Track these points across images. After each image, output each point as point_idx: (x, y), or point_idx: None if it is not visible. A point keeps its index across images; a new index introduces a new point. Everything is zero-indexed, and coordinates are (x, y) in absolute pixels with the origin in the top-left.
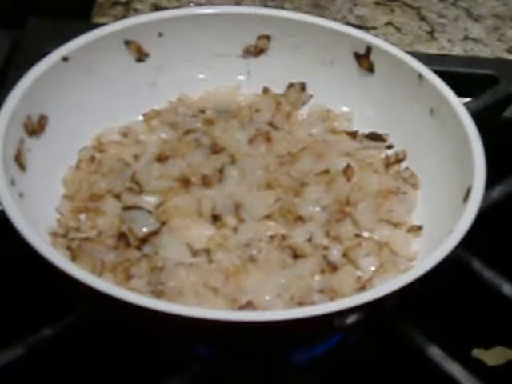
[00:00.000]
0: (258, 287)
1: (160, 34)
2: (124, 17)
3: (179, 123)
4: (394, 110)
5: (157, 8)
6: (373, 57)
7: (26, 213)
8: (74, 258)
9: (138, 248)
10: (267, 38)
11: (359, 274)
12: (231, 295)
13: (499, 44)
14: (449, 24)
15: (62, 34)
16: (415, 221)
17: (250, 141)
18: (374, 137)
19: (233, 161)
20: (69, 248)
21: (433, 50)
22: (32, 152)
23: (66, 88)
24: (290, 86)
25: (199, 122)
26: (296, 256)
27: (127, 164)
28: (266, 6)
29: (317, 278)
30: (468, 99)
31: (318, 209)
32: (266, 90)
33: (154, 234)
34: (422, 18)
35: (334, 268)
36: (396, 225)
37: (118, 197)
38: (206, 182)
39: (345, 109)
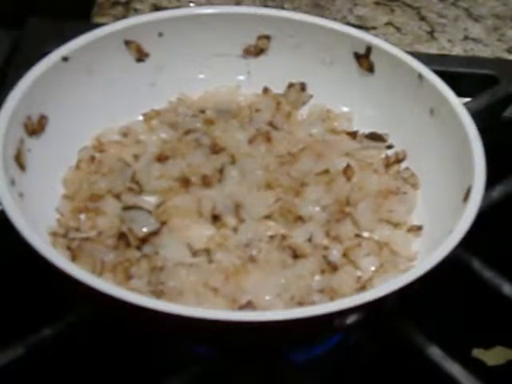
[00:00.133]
0: (258, 287)
1: (160, 34)
2: (124, 17)
3: (179, 123)
4: (394, 110)
5: (157, 8)
6: (373, 57)
7: (26, 213)
8: (74, 258)
9: (138, 248)
10: (267, 37)
11: (359, 273)
12: (231, 295)
13: (499, 44)
14: (449, 24)
15: (62, 34)
16: (415, 221)
17: (250, 141)
18: (374, 137)
19: (233, 161)
20: (69, 248)
21: (433, 50)
22: (32, 152)
23: (66, 88)
24: (290, 86)
25: (199, 122)
26: (296, 256)
27: (127, 164)
28: (266, 6)
29: (317, 278)
30: (468, 99)
31: (317, 209)
32: (266, 90)
33: (154, 233)
34: (422, 18)
35: (333, 268)
36: (396, 225)
37: (118, 197)
38: (205, 182)
39: (345, 109)
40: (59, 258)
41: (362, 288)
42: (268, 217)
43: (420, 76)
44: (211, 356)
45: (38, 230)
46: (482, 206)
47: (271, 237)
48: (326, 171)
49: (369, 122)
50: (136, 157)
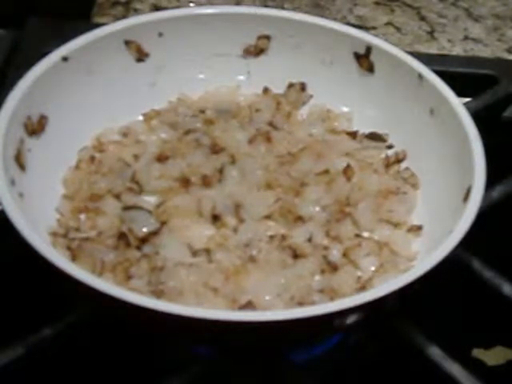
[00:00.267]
0: (258, 287)
1: (160, 34)
2: (124, 17)
3: (179, 123)
4: (394, 110)
5: (157, 8)
6: (373, 57)
7: (26, 213)
8: (74, 258)
9: (138, 248)
10: (267, 37)
11: (359, 273)
12: (231, 295)
13: (499, 44)
14: (449, 24)
15: (62, 34)
16: (415, 221)
17: (250, 141)
18: (374, 137)
19: (233, 161)
20: (69, 248)
21: (433, 50)
22: (32, 152)
23: (66, 88)
24: (290, 86)
25: (199, 122)
26: (296, 256)
27: (127, 164)
28: (266, 6)
29: (317, 278)
30: (468, 99)
31: (318, 209)
32: (266, 90)
33: (154, 233)
34: (422, 18)
35: (334, 268)
36: (396, 225)
37: (118, 197)
38: (205, 182)
39: (345, 109)
40: (59, 258)
41: (362, 288)
42: (268, 217)
43: (420, 76)
44: (211, 356)
45: (38, 230)
46: (482, 206)
47: (271, 237)
48: (326, 171)
49: (369, 121)
50: (136, 157)
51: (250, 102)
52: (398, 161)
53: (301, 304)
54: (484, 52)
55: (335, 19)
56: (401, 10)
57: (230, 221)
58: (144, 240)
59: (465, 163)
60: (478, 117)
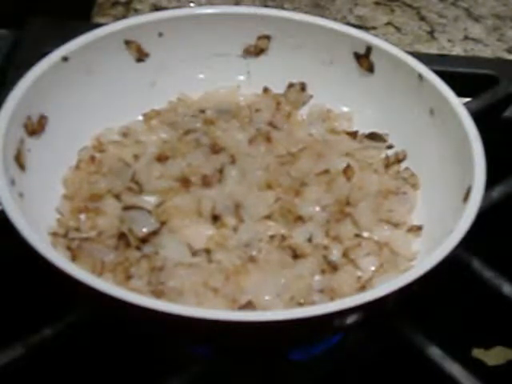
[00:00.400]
0: (258, 287)
1: (160, 34)
2: (124, 17)
3: (179, 123)
4: (394, 110)
5: (157, 8)
6: (373, 57)
7: (26, 213)
8: (74, 258)
9: (138, 248)
10: (267, 37)
11: (359, 273)
12: (231, 295)
13: (499, 44)
14: (449, 24)
15: (62, 33)
16: (415, 221)
17: (250, 141)
18: (374, 137)
19: (233, 161)
20: (69, 248)
21: (433, 50)
22: (32, 152)
23: (66, 88)
24: (290, 86)
25: (199, 122)
26: (296, 256)
27: (127, 164)
28: (266, 6)
29: (317, 278)
30: (468, 99)
31: (318, 209)
32: (266, 90)
33: (154, 233)
34: (422, 18)
35: (334, 268)
36: (396, 225)
37: (117, 197)
38: (205, 181)
39: (345, 109)
40: (59, 258)
41: (362, 288)
42: (268, 217)
43: (420, 76)
44: (211, 356)
45: (38, 230)
46: (482, 205)
47: (271, 237)
48: (326, 171)
49: (369, 121)
50: (136, 157)
51: (250, 101)
52: (398, 161)
53: (301, 304)
54: (484, 52)
55: (335, 19)
56: (401, 10)
57: (230, 221)
58: (144, 240)
59: (465, 163)
60: (478, 117)
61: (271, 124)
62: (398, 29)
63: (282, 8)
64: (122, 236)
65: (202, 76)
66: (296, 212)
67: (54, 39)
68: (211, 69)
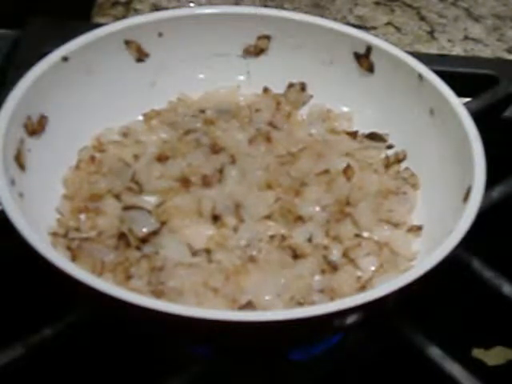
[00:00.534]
0: (258, 287)
1: (160, 34)
2: (124, 17)
3: (179, 123)
4: (394, 110)
5: (157, 8)
6: (373, 57)
7: (26, 213)
8: (74, 258)
9: (138, 248)
10: (267, 37)
11: (359, 273)
12: (231, 295)
13: (499, 44)
14: (449, 24)
15: (62, 33)
16: (415, 221)
17: (250, 141)
18: (374, 137)
19: (233, 161)
20: (69, 248)
21: (433, 50)
22: (32, 152)
23: (66, 88)
24: (290, 86)
25: (199, 122)
26: (296, 256)
27: (127, 164)
28: (266, 6)
29: (317, 278)
30: (468, 99)
31: (318, 209)
32: (266, 90)
33: (154, 233)
34: (422, 18)
35: (334, 268)
36: (396, 225)
37: (117, 197)
38: (206, 181)
39: (345, 109)
40: (59, 258)
41: (362, 288)
42: (268, 217)
43: (420, 76)
44: (211, 356)
45: (38, 230)
46: (482, 206)
47: (271, 237)
48: (326, 171)
49: (369, 121)
50: (136, 157)
51: (250, 101)
52: (398, 161)
53: (301, 304)
54: (484, 52)
55: (335, 19)
56: (401, 10)
57: (230, 221)
58: (144, 240)
59: (465, 163)
60: (478, 117)
61: (271, 124)
62: (398, 29)
63: (282, 8)
64: (121, 236)
65: (201, 76)
66: (296, 212)
67: (54, 39)
68: (211, 69)
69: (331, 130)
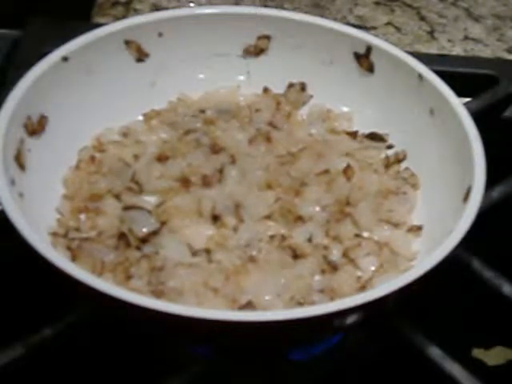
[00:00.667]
0: (258, 287)
1: (160, 34)
2: (124, 17)
3: (179, 123)
4: (394, 110)
5: (157, 8)
6: (373, 57)
7: (26, 213)
8: (74, 258)
9: (138, 248)
10: (267, 37)
11: (359, 273)
12: (231, 295)
13: (499, 44)
14: (449, 24)
15: (62, 33)
16: (415, 221)
17: (250, 141)
18: (374, 137)
19: (233, 161)
20: (69, 248)
21: (433, 50)
22: (32, 152)
23: (66, 88)
24: (290, 86)
25: (199, 122)
26: (296, 256)
27: (127, 164)
28: (266, 6)
29: (317, 278)
30: (468, 99)
31: (318, 209)
32: (266, 90)
33: (154, 233)
34: (422, 18)
35: (334, 268)
36: (396, 225)
37: (117, 197)
38: (206, 181)
39: (345, 109)
40: (59, 258)
41: (362, 288)
42: (268, 217)
43: (420, 76)
44: (211, 356)
45: (38, 230)
46: (482, 206)
47: (271, 237)
48: (326, 171)
49: (369, 121)
50: (136, 157)
51: (250, 101)
52: (398, 161)
53: (301, 304)
54: (484, 52)
55: (335, 19)
56: (401, 10)
57: (230, 221)
58: (144, 240)
59: (465, 163)
60: (478, 117)
61: (271, 124)
62: (398, 29)
63: (282, 8)
64: (121, 236)
65: (202, 76)
66: (296, 212)
67: (54, 39)
68: (211, 69)
69: (331, 130)
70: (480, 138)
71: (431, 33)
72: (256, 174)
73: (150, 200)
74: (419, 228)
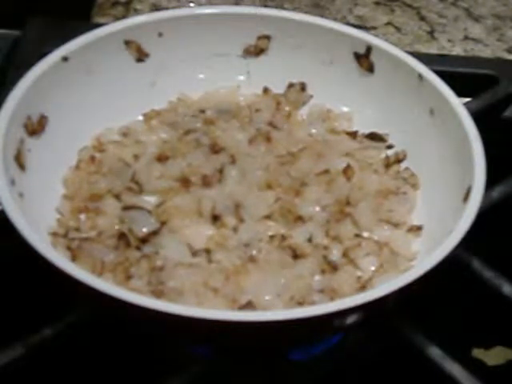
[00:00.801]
0: (258, 287)
1: (160, 34)
2: (124, 17)
3: (179, 123)
4: (394, 110)
5: (157, 8)
6: (373, 57)
7: (26, 213)
8: (74, 258)
9: (138, 248)
10: (267, 37)
11: (359, 273)
12: (231, 295)
13: (499, 44)
14: (449, 24)
15: (62, 33)
16: (415, 221)
17: (250, 141)
18: (374, 137)
19: (233, 161)
20: (69, 248)
21: (433, 50)
22: (32, 152)
23: (66, 88)
24: (290, 86)
25: (199, 122)
26: (296, 256)
27: (127, 164)
28: (266, 6)
29: (317, 278)
30: (468, 99)
31: (318, 209)
32: (266, 90)
33: (154, 233)
34: (422, 18)
35: (334, 268)
36: (396, 225)
37: (117, 197)
38: (205, 181)
39: (345, 109)
40: (59, 258)
41: (362, 288)
42: (268, 217)
43: (420, 76)
44: (211, 356)
45: (38, 230)
46: (482, 206)
47: (271, 237)
48: (326, 171)
49: (369, 121)
50: (136, 157)
51: (250, 101)
52: (398, 161)
53: (301, 304)
54: (484, 52)
55: (335, 19)
56: (401, 10)
57: (230, 221)
58: (144, 240)
59: (465, 163)
60: (478, 117)
61: (271, 124)
62: (398, 29)
63: (282, 8)
64: (121, 236)
65: (201, 76)
66: (296, 212)
67: (54, 39)
68: (211, 69)
69: (331, 130)
70: (480, 138)
71: (431, 33)
72: (256, 174)
73: (150, 200)
74: (419, 228)
